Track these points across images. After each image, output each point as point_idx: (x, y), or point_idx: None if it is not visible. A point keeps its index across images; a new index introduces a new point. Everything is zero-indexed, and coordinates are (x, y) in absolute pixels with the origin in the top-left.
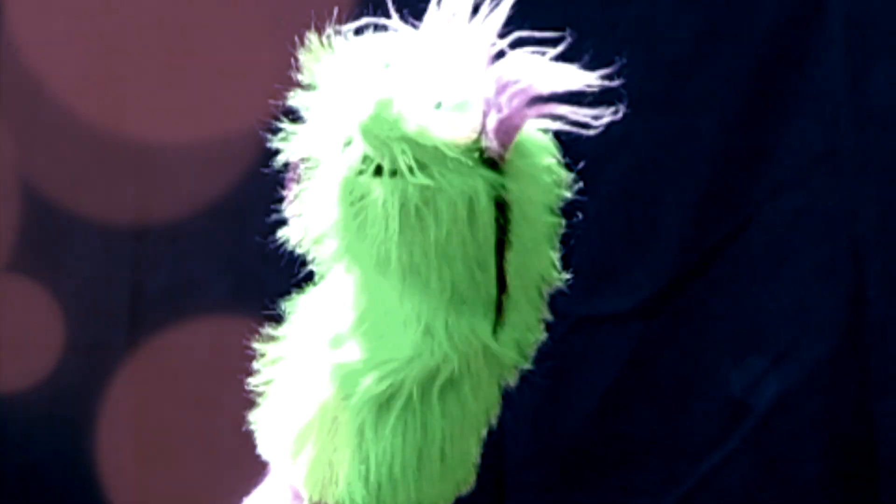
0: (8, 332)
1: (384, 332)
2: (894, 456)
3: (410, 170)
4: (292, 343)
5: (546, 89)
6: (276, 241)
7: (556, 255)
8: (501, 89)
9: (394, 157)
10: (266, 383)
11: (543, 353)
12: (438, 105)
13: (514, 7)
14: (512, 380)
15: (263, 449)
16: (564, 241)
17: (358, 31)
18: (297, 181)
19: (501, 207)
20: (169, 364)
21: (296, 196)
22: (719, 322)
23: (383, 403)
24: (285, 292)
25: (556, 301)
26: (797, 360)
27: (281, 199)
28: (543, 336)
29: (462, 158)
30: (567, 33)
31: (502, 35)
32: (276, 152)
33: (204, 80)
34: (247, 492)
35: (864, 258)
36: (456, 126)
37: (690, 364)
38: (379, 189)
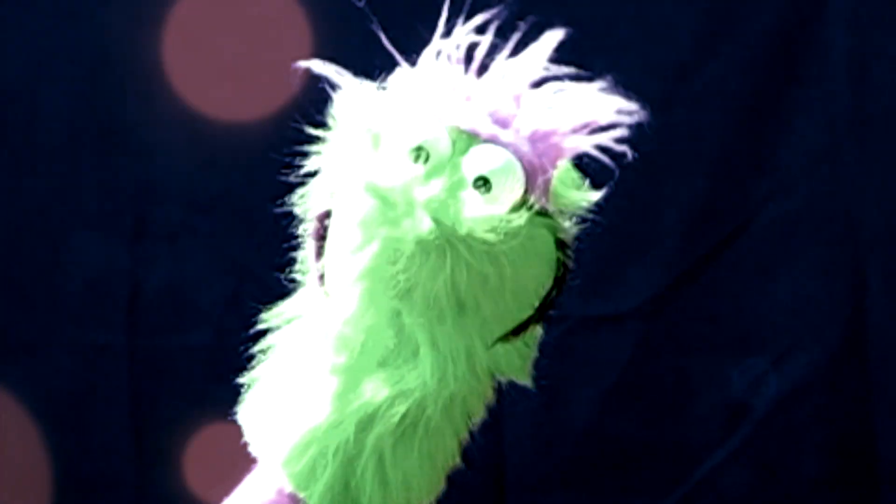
0: (8, 332)
1: (397, 358)
2: (894, 457)
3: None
4: (287, 354)
5: (577, 130)
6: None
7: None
8: (535, 141)
9: (457, 255)
10: (258, 391)
11: (543, 353)
12: (483, 180)
13: (513, 7)
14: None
15: (259, 456)
16: None
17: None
18: (321, 234)
19: (562, 247)
20: (168, 364)
21: (319, 250)
22: (719, 322)
23: (408, 427)
24: (285, 292)
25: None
26: (797, 360)
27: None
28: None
29: (513, 218)
30: (583, 71)
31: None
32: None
33: (205, 79)
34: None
35: (864, 258)
36: (504, 197)
37: (690, 364)
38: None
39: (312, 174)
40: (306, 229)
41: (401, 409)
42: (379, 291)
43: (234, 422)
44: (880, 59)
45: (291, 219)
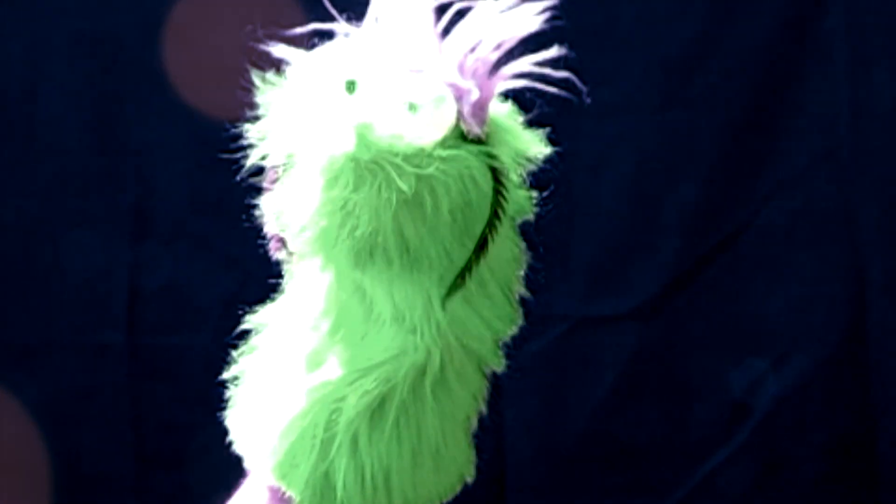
0: (8, 332)
1: (363, 335)
2: (895, 457)
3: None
4: (266, 354)
5: (502, 49)
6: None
7: (521, 245)
8: (463, 68)
9: (389, 178)
10: (241, 392)
11: (544, 353)
12: (413, 107)
13: (513, 8)
14: (496, 367)
15: (245, 455)
16: (564, 241)
17: (308, 37)
18: (276, 179)
19: (496, 177)
20: (168, 364)
21: (274, 192)
22: (719, 323)
23: (375, 409)
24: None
25: (557, 301)
26: (797, 360)
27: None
28: (515, 330)
29: (449, 145)
30: None
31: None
32: (250, 149)
33: (205, 79)
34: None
35: (864, 258)
36: (434, 122)
37: (690, 365)
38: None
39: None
40: (263, 185)
41: (364, 384)
42: (339, 259)
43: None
44: (880, 59)
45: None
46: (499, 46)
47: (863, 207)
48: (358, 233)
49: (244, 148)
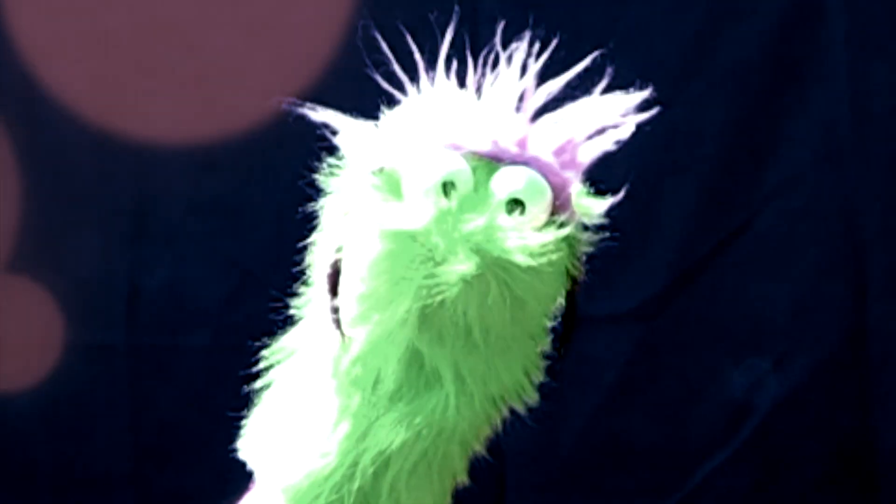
0: (8, 332)
1: (410, 397)
2: (894, 457)
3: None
4: (286, 393)
5: (591, 137)
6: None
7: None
8: (556, 155)
9: (500, 285)
10: (260, 428)
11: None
12: (513, 205)
13: (512, 9)
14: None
15: (251, 462)
16: None
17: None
18: (336, 273)
19: (575, 259)
20: (168, 364)
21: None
22: (720, 323)
23: (421, 464)
24: (285, 293)
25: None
26: (798, 360)
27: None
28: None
29: (559, 244)
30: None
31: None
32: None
33: (204, 79)
34: (245, 492)
35: (865, 258)
36: (540, 217)
37: (691, 365)
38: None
39: (323, 217)
40: (319, 279)
41: (419, 447)
42: (394, 326)
43: (234, 422)
44: (880, 59)
45: (290, 219)
46: (587, 137)
47: (863, 207)
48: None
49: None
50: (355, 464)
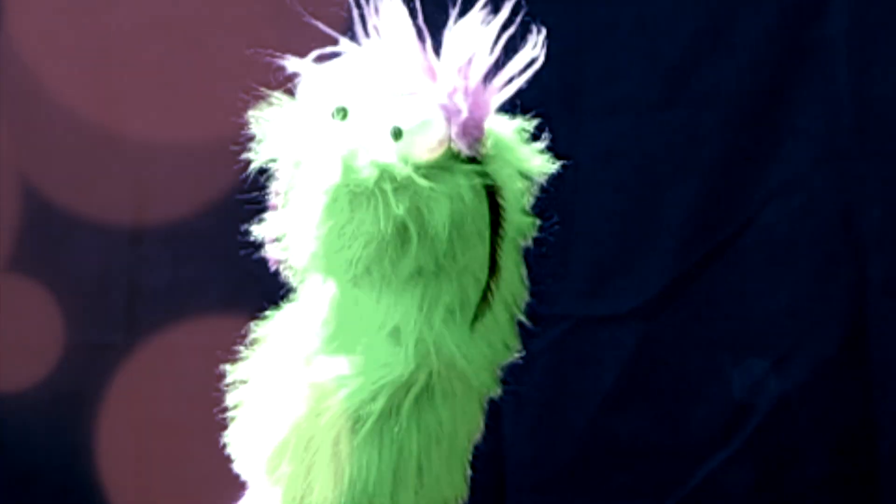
0: (8, 331)
1: (356, 348)
2: (894, 457)
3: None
4: (265, 361)
5: (487, 67)
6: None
7: (524, 270)
8: (452, 89)
9: (381, 203)
10: (238, 403)
11: (544, 353)
12: (398, 132)
13: (512, 9)
14: (492, 393)
15: (239, 467)
16: (564, 241)
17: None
18: (277, 204)
19: (492, 195)
20: (168, 364)
21: (278, 209)
22: (720, 323)
23: (357, 419)
24: (284, 293)
25: (557, 301)
26: (798, 360)
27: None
28: (513, 357)
29: (438, 165)
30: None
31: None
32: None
33: (204, 80)
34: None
35: (865, 258)
36: (424, 145)
37: (691, 365)
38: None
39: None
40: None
41: (348, 391)
42: (337, 277)
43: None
44: (880, 59)
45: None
46: (486, 65)
47: (863, 207)
48: (355, 255)
49: (246, 162)
50: (300, 408)
